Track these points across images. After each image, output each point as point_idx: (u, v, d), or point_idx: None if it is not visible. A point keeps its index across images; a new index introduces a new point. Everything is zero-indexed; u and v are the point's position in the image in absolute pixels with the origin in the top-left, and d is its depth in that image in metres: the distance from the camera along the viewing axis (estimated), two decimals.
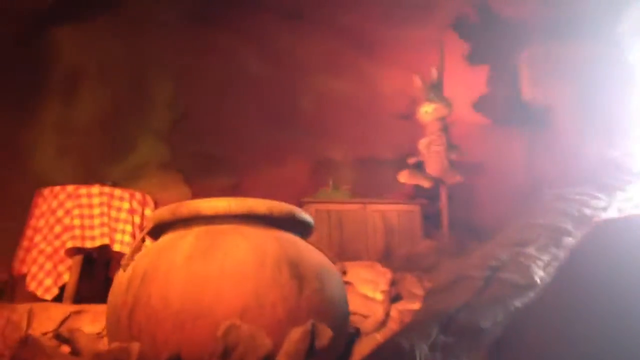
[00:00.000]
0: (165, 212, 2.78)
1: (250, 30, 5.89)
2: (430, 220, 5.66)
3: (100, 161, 4.93)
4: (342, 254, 5.19)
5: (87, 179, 4.33)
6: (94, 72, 5.07)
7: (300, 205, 5.33)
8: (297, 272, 2.58)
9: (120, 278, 2.61)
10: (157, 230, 2.86)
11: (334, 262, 2.93)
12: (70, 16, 4.81)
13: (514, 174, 5.92)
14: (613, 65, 5.82)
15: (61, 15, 4.72)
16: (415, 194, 5.77)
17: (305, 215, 2.95)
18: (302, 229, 2.94)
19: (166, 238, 2.72)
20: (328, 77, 6.12)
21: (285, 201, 5.14)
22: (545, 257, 2.89)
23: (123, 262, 2.58)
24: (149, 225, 2.77)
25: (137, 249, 2.64)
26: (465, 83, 6.24)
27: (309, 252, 2.76)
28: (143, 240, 2.81)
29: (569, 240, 3.17)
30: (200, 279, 2.45)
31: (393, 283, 4.22)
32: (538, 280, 2.50)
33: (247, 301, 2.44)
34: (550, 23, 6.14)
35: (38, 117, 4.75)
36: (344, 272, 3.34)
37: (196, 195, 5.41)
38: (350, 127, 6.10)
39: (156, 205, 3.85)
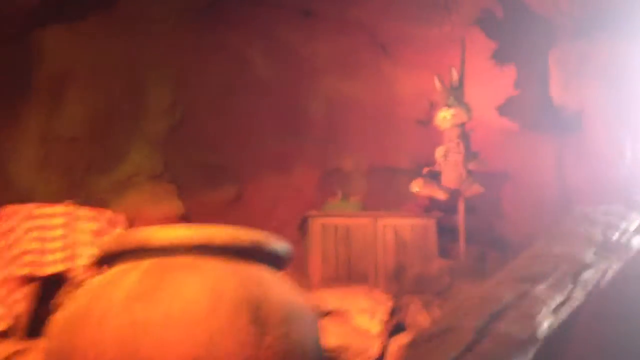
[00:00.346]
0: (111, 242, 2.43)
1: (256, 28, 5.52)
2: (449, 234, 5.22)
3: (87, 172, 4.63)
4: (349, 272, 4.80)
5: (72, 191, 4.05)
6: (84, 75, 4.75)
7: (304, 218, 4.96)
8: (259, 315, 2.20)
9: (56, 319, 2.28)
10: (109, 262, 2.52)
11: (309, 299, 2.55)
12: (58, 15, 4.51)
13: (541, 185, 5.42)
14: None
15: (48, 14, 4.42)
16: (432, 206, 5.33)
17: (279, 245, 2.57)
18: (274, 260, 2.55)
19: (111, 272, 2.37)
20: (340, 79, 5.70)
21: (291, 213, 4.78)
22: (559, 297, 2.45)
23: (58, 299, 2.25)
24: (92, 257, 2.43)
25: (76, 285, 2.30)
26: (491, 85, 5.76)
27: (278, 290, 2.37)
28: (96, 272, 2.47)
29: (589, 275, 2.72)
30: (141, 324, 2.09)
31: (395, 311, 3.81)
32: (542, 333, 2.07)
33: (197, 351, 2.08)
34: (586, 18, 5.61)
35: (20, 123, 4.47)
36: (321, 313, 2.97)
37: (191, 208, 5.08)
38: (363, 133, 5.67)
39: (132, 224, 3.52)
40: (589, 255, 2.87)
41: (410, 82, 5.76)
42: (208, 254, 2.35)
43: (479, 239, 5.40)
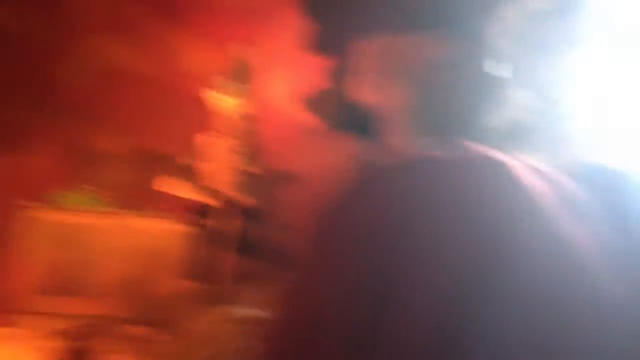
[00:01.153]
0: None
1: None
2: (226, 245, 4.35)
3: None
4: (68, 284, 3.79)
5: None
6: None
7: (16, 210, 3.88)
8: None
9: None
10: None
11: None
12: None
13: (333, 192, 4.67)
14: (471, 70, 4.68)
15: None
16: (205, 208, 4.40)
17: None
18: None
19: None
20: (112, 43, 4.62)
21: (9, 202, 3.66)
22: None
23: None
24: None
25: None
26: (295, 70, 4.93)
27: None
28: None
29: None
30: None
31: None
32: None
33: None
34: (421, 13, 4.92)
35: None
36: None
37: None
38: (133, 111, 4.62)
39: None
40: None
41: (199, 57, 4.79)
42: None
43: (261, 252, 4.60)
